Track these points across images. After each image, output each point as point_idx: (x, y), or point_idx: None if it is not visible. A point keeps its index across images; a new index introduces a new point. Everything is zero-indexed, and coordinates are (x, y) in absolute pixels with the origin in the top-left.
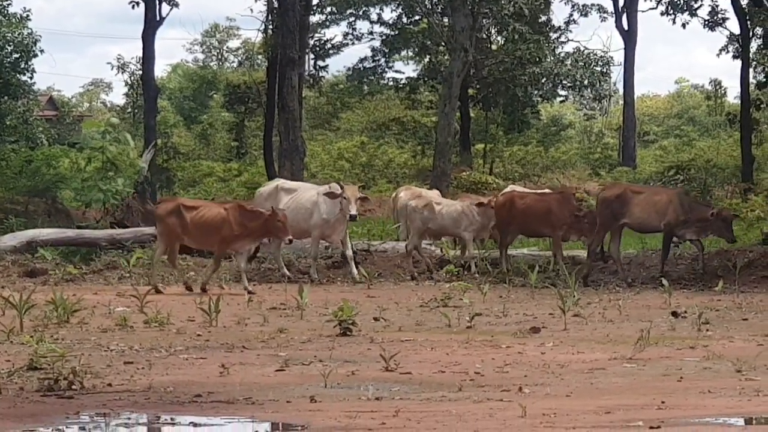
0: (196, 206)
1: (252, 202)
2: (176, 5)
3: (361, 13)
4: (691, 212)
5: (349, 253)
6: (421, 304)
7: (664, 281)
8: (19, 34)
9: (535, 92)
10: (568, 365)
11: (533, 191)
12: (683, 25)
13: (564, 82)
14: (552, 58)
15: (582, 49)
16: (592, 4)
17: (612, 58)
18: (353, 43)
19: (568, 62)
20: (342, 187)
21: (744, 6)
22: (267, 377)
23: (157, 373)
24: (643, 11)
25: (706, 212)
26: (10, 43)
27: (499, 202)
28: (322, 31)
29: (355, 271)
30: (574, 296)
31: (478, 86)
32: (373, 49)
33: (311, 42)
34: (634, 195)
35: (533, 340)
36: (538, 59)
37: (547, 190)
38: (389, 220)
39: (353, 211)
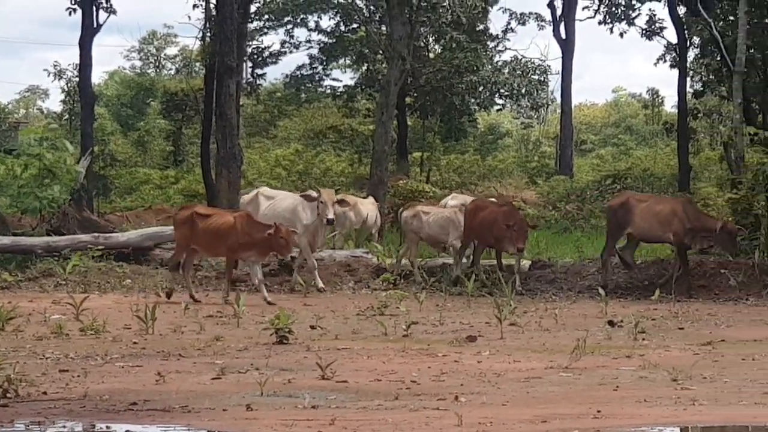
0: (209, 214)
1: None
2: (114, 12)
3: (299, 20)
4: (697, 221)
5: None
6: (357, 313)
7: (601, 290)
8: None
9: (473, 101)
10: (504, 374)
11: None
12: (621, 35)
13: (501, 90)
14: (489, 67)
15: (519, 57)
16: (530, 13)
17: (549, 66)
18: (291, 51)
19: (506, 71)
20: (319, 191)
21: (681, 15)
22: (203, 385)
23: (92, 381)
24: (581, 20)
25: (712, 223)
26: None
27: (466, 210)
28: (260, 39)
29: (320, 282)
30: (510, 305)
31: (415, 94)
32: (310, 57)
33: (249, 50)
34: (638, 203)
35: (470, 348)
36: (475, 68)
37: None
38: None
39: (330, 215)
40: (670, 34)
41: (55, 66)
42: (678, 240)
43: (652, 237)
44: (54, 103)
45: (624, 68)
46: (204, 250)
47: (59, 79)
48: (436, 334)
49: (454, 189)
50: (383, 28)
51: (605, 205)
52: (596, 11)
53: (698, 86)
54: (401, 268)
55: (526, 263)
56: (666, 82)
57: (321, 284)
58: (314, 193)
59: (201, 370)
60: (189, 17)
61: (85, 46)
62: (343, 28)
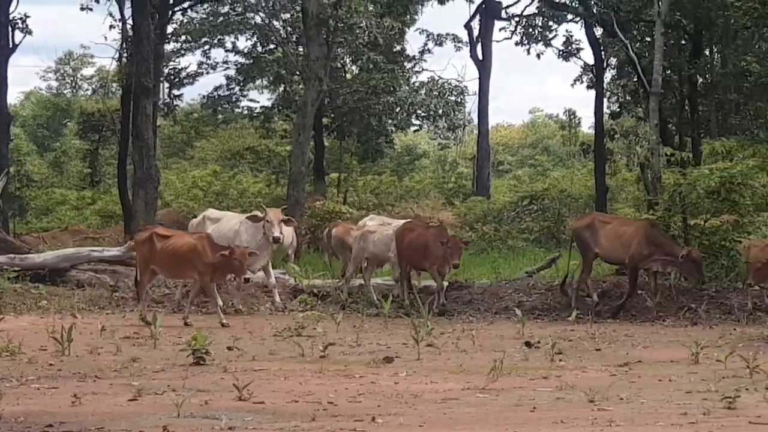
0: (168, 235)
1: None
2: (30, 32)
3: (216, 41)
4: (657, 246)
5: (272, 281)
6: (274, 334)
7: (518, 311)
8: None
9: (390, 121)
10: (421, 395)
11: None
12: (538, 56)
13: (418, 111)
14: (406, 88)
15: (436, 78)
16: (447, 34)
17: (466, 87)
18: (208, 72)
19: (423, 92)
20: (265, 211)
21: (598, 37)
22: (120, 407)
23: (8, 403)
24: (497, 41)
25: (676, 250)
26: None
27: (396, 234)
28: (177, 60)
29: (278, 299)
30: (427, 326)
31: (332, 115)
32: (227, 78)
33: (166, 70)
34: (603, 225)
35: (386, 369)
36: (392, 88)
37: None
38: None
39: (276, 233)
40: (587, 55)
41: None
42: (632, 263)
43: (615, 259)
44: None
45: (541, 89)
46: (163, 271)
47: None
48: (354, 355)
49: (371, 210)
50: (300, 49)
51: (570, 227)
52: (513, 32)
53: (615, 107)
54: (317, 288)
55: (443, 284)
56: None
57: (278, 300)
58: (260, 213)
59: (117, 391)
60: (106, 38)
61: (0, 66)
62: (260, 49)
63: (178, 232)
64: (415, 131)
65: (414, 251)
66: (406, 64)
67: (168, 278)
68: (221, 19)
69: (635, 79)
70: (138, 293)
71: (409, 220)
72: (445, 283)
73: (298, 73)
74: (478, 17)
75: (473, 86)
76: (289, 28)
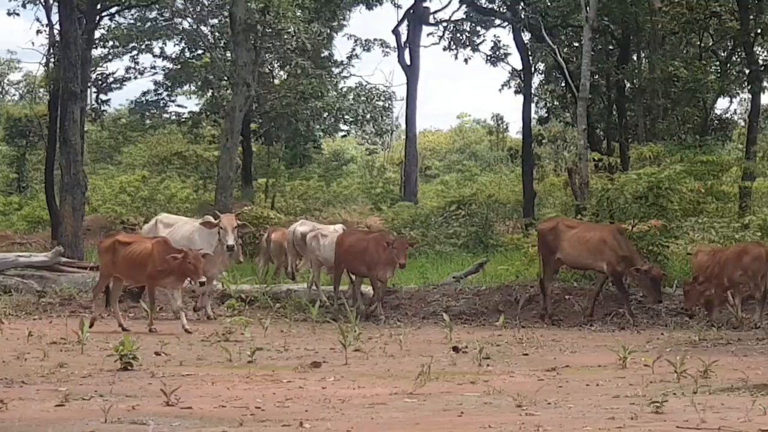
0: (129, 242)
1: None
2: None
3: (143, 47)
4: (629, 251)
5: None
6: (202, 339)
7: (445, 316)
8: None
9: (318, 127)
10: (349, 400)
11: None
12: (466, 61)
13: (346, 116)
14: (334, 93)
15: (364, 83)
16: (375, 39)
17: (394, 92)
18: (136, 77)
19: (351, 97)
20: (219, 217)
21: (526, 42)
22: (46, 412)
23: None
24: (425, 46)
25: (640, 262)
26: None
27: (336, 240)
28: (105, 65)
29: (209, 309)
30: (355, 331)
31: (260, 121)
32: (155, 83)
33: (93, 76)
34: (567, 229)
35: (314, 374)
36: (320, 94)
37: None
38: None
39: (230, 241)
40: (515, 60)
41: None
42: (612, 269)
43: (580, 264)
44: None
45: (469, 94)
46: (125, 278)
47: None
48: (281, 360)
49: (299, 215)
50: (228, 54)
51: (535, 229)
52: (441, 37)
53: (543, 112)
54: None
55: (369, 289)
56: (511, 108)
57: (211, 312)
58: (213, 219)
59: (44, 397)
60: (32, 43)
61: None
62: (188, 54)
63: (138, 238)
64: (342, 136)
65: (353, 256)
66: (334, 69)
67: (130, 285)
68: (149, 24)
69: (563, 84)
70: (108, 302)
71: (339, 223)
72: (369, 289)
73: (226, 78)
74: (405, 22)
75: (401, 91)
76: (217, 34)
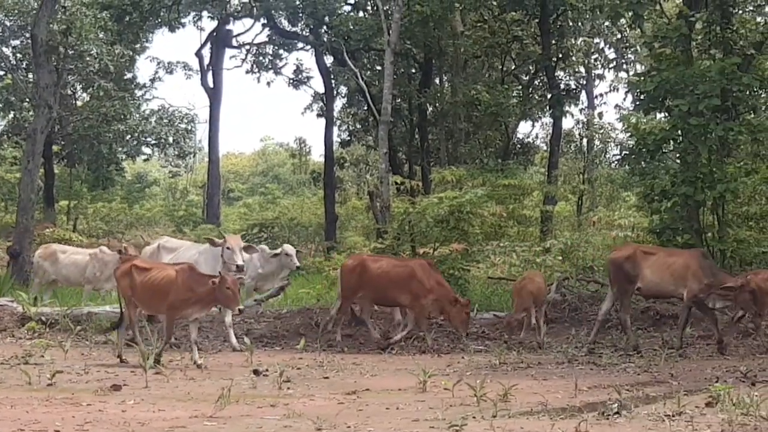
0: (148, 268)
1: None
2: None
3: None
4: (714, 276)
5: (228, 320)
6: (1, 362)
7: (246, 339)
8: None
9: (120, 149)
10: (148, 423)
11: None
12: (268, 84)
13: (149, 139)
14: (137, 116)
15: (167, 106)
16: (178, 62)
17: (197, 115)
18: None
19: (153, 119)
20: (224, 238)
21: (328, 65)
22: None
23: None
24: (228, 69)
25: (729, 279)
26: None
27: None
28: None
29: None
30: (155, 354)
31: (62, 143)
32: None
33: None
34: (646, 257)
35: (114, 397)
36: (123, 116)
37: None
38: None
39: (239, 261)
40: (318, 84)
41: None
42: (692, 296)
43: (664, 292)
44: None
45: (272, 117)
46: (143, 307)
47: None
48: (81, 383)
49: (101, 238)
50: (30, 75)
51: (609, 258)
52: (244, 60)
53: (345, 135)
54: (45, 316)
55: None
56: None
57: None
58: (217, 240)
59: None
60: None
61: None
62: None
63: (158, 264)
64: (145, 159)
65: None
66: (137, 91)
67: (147, 314)
68: None
69: (365, 108)
70: (134, 331)
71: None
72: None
73: (27, 99)
74: (209, 45)
75: (204, 114)
76: (18, 55)
